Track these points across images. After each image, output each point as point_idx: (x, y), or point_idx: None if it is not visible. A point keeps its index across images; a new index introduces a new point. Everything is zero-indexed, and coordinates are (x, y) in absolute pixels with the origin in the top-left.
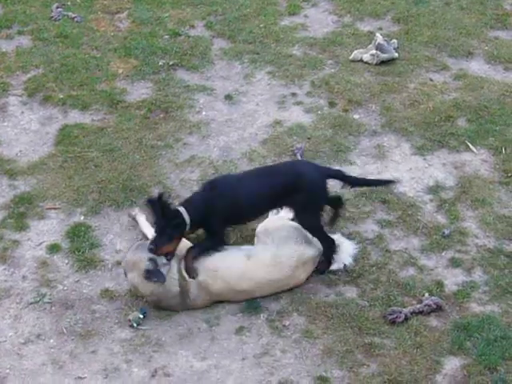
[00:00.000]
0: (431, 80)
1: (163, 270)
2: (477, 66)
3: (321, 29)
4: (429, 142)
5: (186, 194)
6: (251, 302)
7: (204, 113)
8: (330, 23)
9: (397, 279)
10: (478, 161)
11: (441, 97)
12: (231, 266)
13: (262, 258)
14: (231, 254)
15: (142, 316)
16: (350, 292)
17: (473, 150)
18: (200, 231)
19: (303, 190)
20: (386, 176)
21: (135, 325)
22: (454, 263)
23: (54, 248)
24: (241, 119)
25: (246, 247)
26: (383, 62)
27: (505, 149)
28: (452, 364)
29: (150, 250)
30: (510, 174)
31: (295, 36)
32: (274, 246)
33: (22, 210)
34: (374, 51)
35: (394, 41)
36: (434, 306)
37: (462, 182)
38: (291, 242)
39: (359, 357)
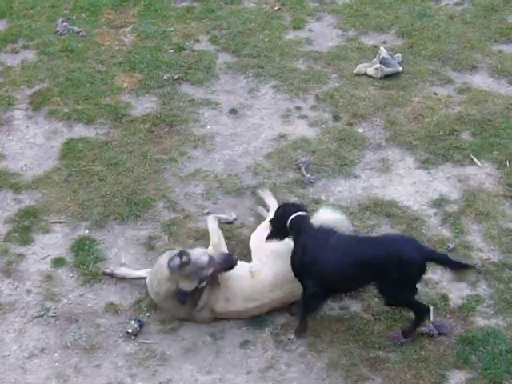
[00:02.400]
0: (435, 94)
1: None
2: (481, 80)
3: (325, 43)
4: (433, 156)
5: (191, 207)
6: (256, 317)
7: (209, 127)
8: (335, 37)
9: None
10: (482, 174)
11: (445, 110)
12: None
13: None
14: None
15: (137, 327)
16: (355, 306)
17: (477, 164)
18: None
19: (401, 269)
20: (389, 190)
21: (133, 336)
22: (459, 277)
23: (58, 262)
24: (245, 133)
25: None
26: (387, 76)
27: (509, 162)
28: (457, 378)
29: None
30: None
31: (300, 50)
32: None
33: (27, 224)
34: (378, 65)
35: (398, 55)
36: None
37: (467, 195)
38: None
39: (364, 370)
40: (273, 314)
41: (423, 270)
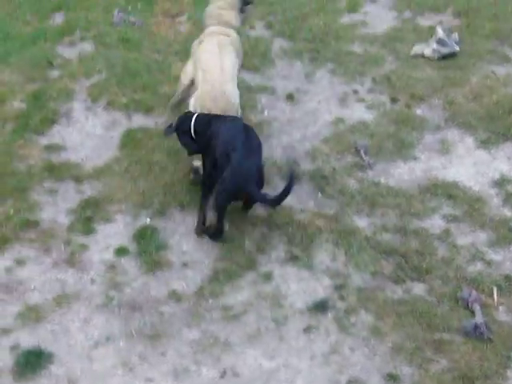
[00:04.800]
0: (493, 73)
1: None
2: None
3: (381, 25)
4: (493, 136)
5: None
6: (318, 301)
7: (266, 113)
8: (390, 19)
9: (465, 274)
10: None
11: (504, 89)
12: None
13: None
14: None
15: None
16: (418, 288)
17: None
18: None
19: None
20: (449, 171)
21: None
22: None
23: (121, 251)
24: (303, 118)
25: None
26: (444, 57)
27: None
28: None
29: None
30: None
31: (355, 33)
32: None
33: (89, 214)
34: (435, 46)
35: (455, 34)
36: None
37: None
38: None
39: (428, 353)
40: (334, 299)
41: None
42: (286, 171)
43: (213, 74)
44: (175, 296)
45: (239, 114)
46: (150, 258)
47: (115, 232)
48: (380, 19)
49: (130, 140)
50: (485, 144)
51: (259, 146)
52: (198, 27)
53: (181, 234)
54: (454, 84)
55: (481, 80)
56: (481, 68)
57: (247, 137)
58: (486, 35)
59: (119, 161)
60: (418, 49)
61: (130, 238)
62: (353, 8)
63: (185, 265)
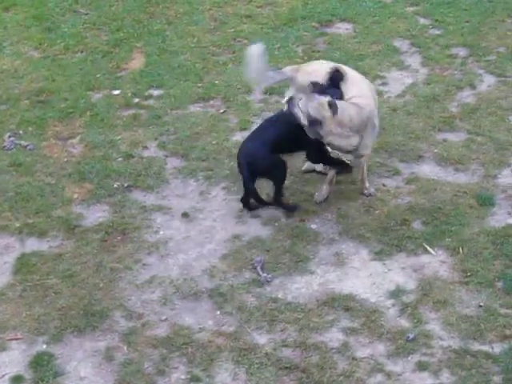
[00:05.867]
0: (384, 185)
1: None
2: (428, 169)
3: None
4: (387, 247)
5: (148, 315)
6: None
7: (162, 232)
8: None
9: None
10: (436, 262)
11: (395, 201)
12: None
13: None
14: None
15: None
16: None
17: (431, 252)
18: None
19: None
20: (346, 284)
21: None
22: (421, 367)
23: (17, 380)
24: (199, 236)
25: None
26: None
27: (462, 248)
28: None
29: None
30: (469, 274)
31: None
32: None
33: None
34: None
35: None
36: None
37: (423, 284)
38: None
39: None
40: None
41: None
42: None
43: None
44: None
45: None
46: None
47: (10, 360)
48: None
49: (23, 265)
50: (379, 255)
51: (264, 128)
52: (91, 149)
53: (78, 359)
54: (346, 198)
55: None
56: (371, 181)
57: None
58: (375, 149)
59: (13, 286)
60: (310, 164)
61: (26, 365)
62: (244, 126)
63: None
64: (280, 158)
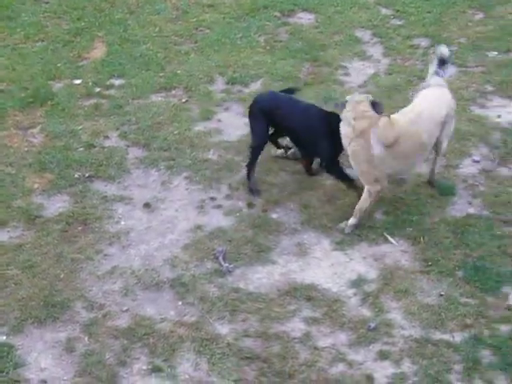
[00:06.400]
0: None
1: None
2: None
3: (234, 132)
4: (348, 237)
5: (110, 305)
6: None
7: (123, 222)
8: (243, 126)
9: (327, 376)
10: (397, 252)
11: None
12: None
13: None
14: None
15: None
16: None
17: (392, 242)
18: None
19: None
20: (307, 274)
21: None
22: (383, 356)
23: None
24: (161, 226)
25: None
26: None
27: (423, 238)
28: None
29: None
30: (430, 263)
31: (210, 140)
32: None
33: None
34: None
35: None
36: None
37: (384, 273)
38: None
39: None
40: None
41: None
42: None
43: None
44: None
45: None
46: (7, 377)
47: None
48: (233, 126)
49: None
50: (341, 245)
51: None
52: (52, 138)
53: (39, 350)
54: (308, 187)
55: (334, 182)
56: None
57: None
58: None
59: None
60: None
61: None
62: (206, 116)
63: (44, 382)
64: None
